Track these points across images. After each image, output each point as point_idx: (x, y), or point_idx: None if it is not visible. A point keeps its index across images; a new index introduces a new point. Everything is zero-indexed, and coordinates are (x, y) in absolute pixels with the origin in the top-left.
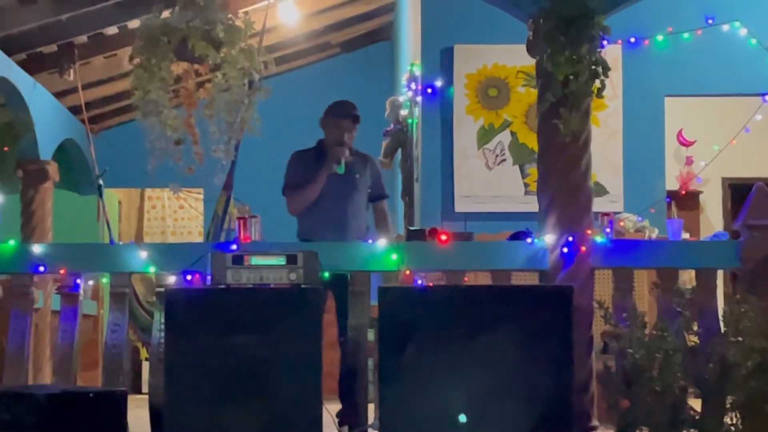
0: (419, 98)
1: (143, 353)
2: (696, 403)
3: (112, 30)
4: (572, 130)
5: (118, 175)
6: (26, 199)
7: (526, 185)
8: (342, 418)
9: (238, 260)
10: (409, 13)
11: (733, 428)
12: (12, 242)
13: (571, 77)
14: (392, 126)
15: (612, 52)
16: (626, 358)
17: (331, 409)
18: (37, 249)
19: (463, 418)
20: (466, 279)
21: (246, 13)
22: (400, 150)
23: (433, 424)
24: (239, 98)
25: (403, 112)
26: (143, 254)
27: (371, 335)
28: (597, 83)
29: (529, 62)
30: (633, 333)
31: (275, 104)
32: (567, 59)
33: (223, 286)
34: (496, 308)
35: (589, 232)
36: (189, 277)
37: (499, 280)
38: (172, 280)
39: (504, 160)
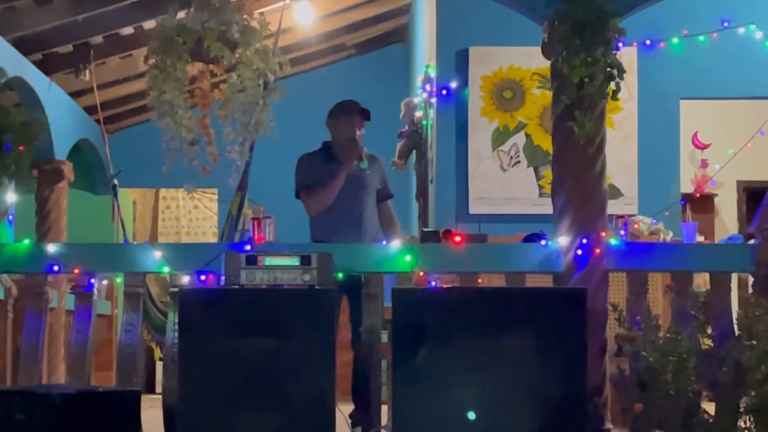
0: (434, 100)
1: (157, 353)
2: (710, 407)
3: (127, 30)
4: (587, 133)
5: (133, 175)
6: (41, 199)
7: (540, 187)
8: (355, 419)
9: (252, 261)
10: (424, 15)
11: None
12: (27, 241)
13: (587, 79)
14: (407, 128)
15: (627, 55)
16: (640, 361)
17: (344, 410)
18: (51, 248)
19: (472, 415)
20: (479, 281)
21: (261, 14)
22: (414, 151)
23: (446, 426)
24: (254, 99)
25: (418, 114)
26: (157, 254)
27: (385, 337)
28: (612, 85)
29: (544, 64)
30: (647, 336)
31: (290, 105)
32: (582, 61)
33: (237, 287)
34: (509, 310)
35: (603, 234)
36: (203, 278)
37: (513, 282)
38: (186, 280)
39: (518, 162)
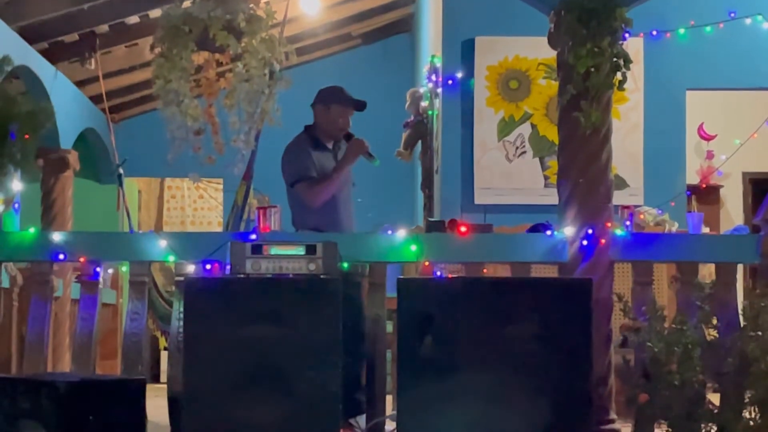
0: (440, 90)
1: (162, 342)
2: (714, 398)
3: (133, 19)
4: (593, 123)
5: (138, 165)
6: (46, 188)
7: (546, 177)
8: (349, 409)
9: (257, 250)
10: (430, 5)
11: (751, 423)
12: (32, 230)
13: (593, 70)
14: (412, 118)
15: (634, 45)
16: (645, 352)
17: None
18: (57, 237)
19: None
20: (485, 271)
21: (267, 3)
22: (420, 142)
23: (451, 416)
24: (260, 88)
25: (424, 104)
26: (163, 243)
27: (390, 327)
28: (618, 76)
29: (551, 54)
30: (652, 326)
31: (295, 95)
32: (588, 51)
33: (242, 276)
34: (515, 300)
35: (608, 225)
36: (208, 267)
37: (519, 272)
38: (191, 269)
39: (524, 152)
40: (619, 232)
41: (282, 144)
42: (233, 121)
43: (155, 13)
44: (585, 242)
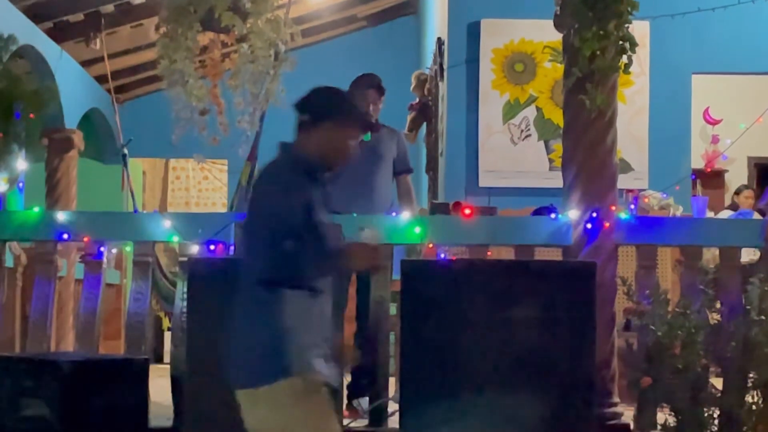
0: (445, 72)
1: (165, 322)
2: (717, 382)
3: None
4: (598, 106)
5: (143, 145)
6: (51, 168)
7: (550, 161)
8: (351, 391)
9: None
10: None
11: (754, 407)
12: (36, 209)
13: (598, 53)
14: (418, 100)
15: (640, 29)
16: (648, 336)
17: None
18: (61, 217)
19: None
20: (489, 253)
21: None
22: (425, 124)
23: (454, 398)
24: (265, 69)
25: (428, 87)
26: (167, 223)
27: (393, 309)
28: (624, 59)
29: (556, 37)
30: (656, 310)
31: (301, 76)
32: (594, 35)
33: None
34: (518, 283)
35: (613, 208)
36: (212, 247)
37: (523, 255)
38: (195, 249)
39: (529, 135)
40: (623, 215)
41: (287, 125)
42: (238, 101)
43: None
44: (589, 225)
